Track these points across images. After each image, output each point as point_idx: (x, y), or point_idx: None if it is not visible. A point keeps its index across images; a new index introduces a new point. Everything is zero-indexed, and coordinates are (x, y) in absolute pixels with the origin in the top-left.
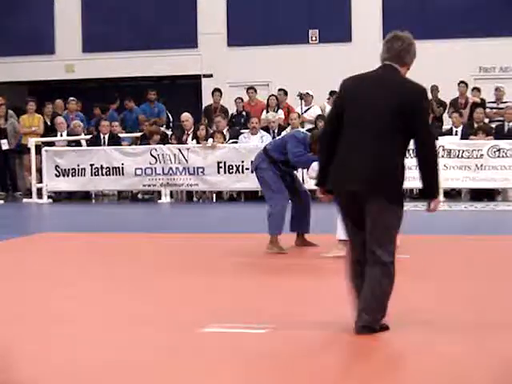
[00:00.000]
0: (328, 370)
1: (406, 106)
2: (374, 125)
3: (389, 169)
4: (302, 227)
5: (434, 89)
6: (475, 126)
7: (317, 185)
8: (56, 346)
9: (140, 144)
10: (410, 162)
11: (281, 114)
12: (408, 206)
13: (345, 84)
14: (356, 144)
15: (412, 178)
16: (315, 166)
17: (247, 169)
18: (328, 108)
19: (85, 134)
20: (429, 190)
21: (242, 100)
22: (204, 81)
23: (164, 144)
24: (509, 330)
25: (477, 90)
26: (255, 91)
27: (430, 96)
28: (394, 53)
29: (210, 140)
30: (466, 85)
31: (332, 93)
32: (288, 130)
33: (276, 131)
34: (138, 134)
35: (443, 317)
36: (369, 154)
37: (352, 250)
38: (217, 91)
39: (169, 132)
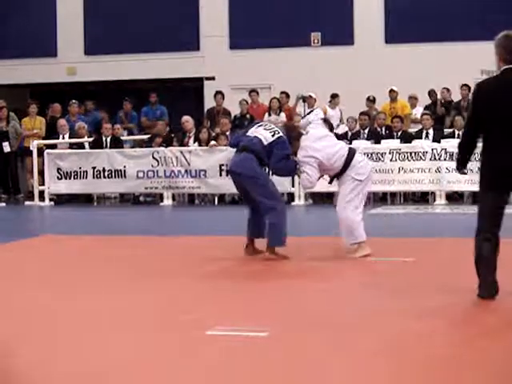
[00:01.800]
0: (329, 373)
1: None
2: None
3: None
4: (262, 233)
5: (433, 93)
6: None
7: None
8: (57, 348)
9: (146, 146)
10: (413, 165)
11: (283, 116)
12: (410, 209)
13: (480, 87)
14: (504, 142)
15: (414, 181)
16: (310, 177)
17: None
18: (330, 111)
19: (88, 137)
20: None
21: (247, 102)
22: (206, 83)
23: (167, 146)
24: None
25: None
26: (257, 94)
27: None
28: None
29: (213, 142)
30: (469, 88)
31: (333, 96)
32: None
33: None
34: (142, 137)
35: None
36: None
37: (484, 228)
38: (219, 94)
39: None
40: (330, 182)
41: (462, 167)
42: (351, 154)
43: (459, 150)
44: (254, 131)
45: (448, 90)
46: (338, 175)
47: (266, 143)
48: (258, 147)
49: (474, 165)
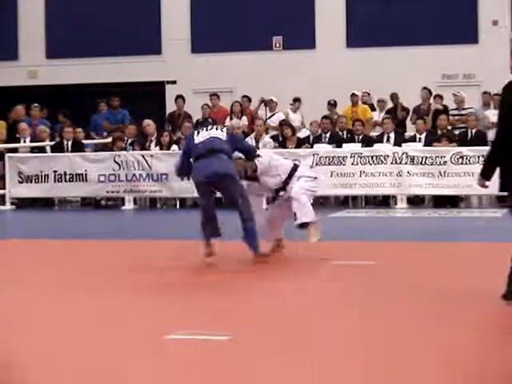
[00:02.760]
0: (291, 376)
1: None
2: None
3: None
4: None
5: (395, 97)
6: (439, 132)
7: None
8: (24, 351)
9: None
10: (374, 169)
11: (244, 120)
12: (371, 213)
13: (505, 88)
14: None
15: (375, 185)
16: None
17: None
18: (291, 115)
19: (49, 141)
20: None
21: (209, 107)
22: (168, 87)
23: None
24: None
25: (439, 97)
26: (218, 98)
27: (390, 103)
28: None
29: (175, 147)
30: (429, 91)
31: (295, 100)
32: (252, 136)
33: None
34: (103, 141)
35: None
36: None
37: None
38: (179, 98)
39: None
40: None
41: (485, 179)
42: (296, 165)
43: (488, 157)
44: (203, 135)
45: (369, 94)
46: (284, 185)
47: (224, 138)
48: (224, 145)
49: (434, 169)
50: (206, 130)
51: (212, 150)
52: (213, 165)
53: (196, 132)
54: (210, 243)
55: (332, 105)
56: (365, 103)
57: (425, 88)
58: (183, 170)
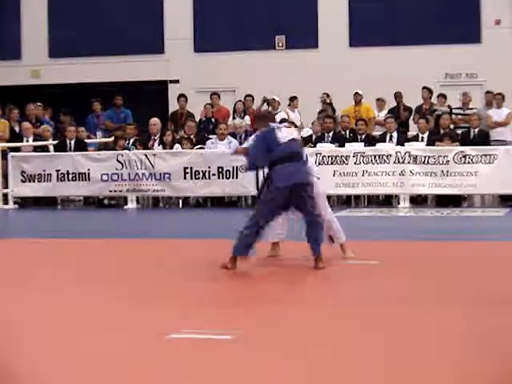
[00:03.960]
0: (291, 377)
1: None
2: None
3: None
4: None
5: (398, 95)
6: (441, 132)
7: None
8: (25, 350)
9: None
10: (377, 168)
11: (248, 119)
12: (374, 212)
13: None
14: None
15: (378, 184)
16: None
17: (214, 174)
18: (291, 114)
19: (52, 140)
20: None
21: (212, 106)
22: (171, 86)
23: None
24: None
25: (442, 96)
26: (218, 97)
27: (388, 103)
28: None
29: (178, 146)
30: (430, 90)
31: (292, 98)
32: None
33: (243, 137)
34: (105, 140)
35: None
36: None
37: None
38: (182, 97)
39: None
40: None
41: None
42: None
43: None
44: (285, 134)
45: (328, 95)
46: None
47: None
48: (300, 148)
49: (437, 168)
50: (285, 127)
51: (296, 155)
52: (297, 172)
53: (276, 127)
54: (235, 260)
55: (327, 104)
56: (325, 102)
57: (425, 87)
58: (260, 163)
